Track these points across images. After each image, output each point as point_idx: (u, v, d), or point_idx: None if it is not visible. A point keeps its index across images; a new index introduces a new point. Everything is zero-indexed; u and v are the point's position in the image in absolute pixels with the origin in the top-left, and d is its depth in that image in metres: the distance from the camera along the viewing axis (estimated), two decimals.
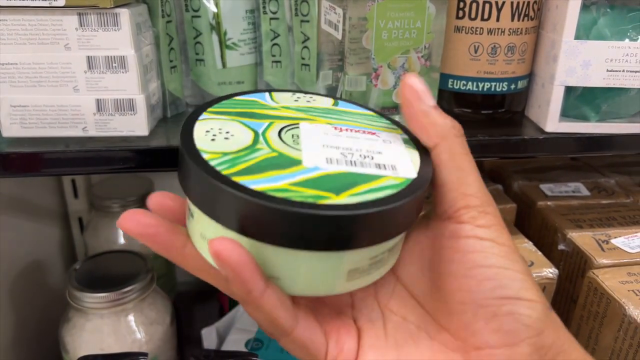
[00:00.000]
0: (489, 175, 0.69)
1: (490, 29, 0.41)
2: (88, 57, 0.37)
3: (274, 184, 0.23)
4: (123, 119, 0.38)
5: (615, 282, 0.46)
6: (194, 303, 0.75)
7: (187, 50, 0.46)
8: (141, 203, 0.64)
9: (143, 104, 0.38)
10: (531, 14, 0.41)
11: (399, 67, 0.39)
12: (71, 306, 0.50)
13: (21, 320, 0.60)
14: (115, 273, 0.52)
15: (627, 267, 0.48)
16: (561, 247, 0.53)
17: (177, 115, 0.45)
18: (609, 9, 0.41)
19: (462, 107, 0.44)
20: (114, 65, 0.37)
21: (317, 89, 0.43)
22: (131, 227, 0.25)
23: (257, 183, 0.22)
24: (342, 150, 0.26)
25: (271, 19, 0.45)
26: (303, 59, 0.45)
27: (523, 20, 0.41)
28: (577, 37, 0.40)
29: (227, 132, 0.26)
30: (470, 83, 0.43)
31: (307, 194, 0.22)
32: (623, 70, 0.41)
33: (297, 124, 0.28)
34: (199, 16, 0.44)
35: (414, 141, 0.28)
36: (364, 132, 0.28)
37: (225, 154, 0.24)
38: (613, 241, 0.51)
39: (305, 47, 0.45)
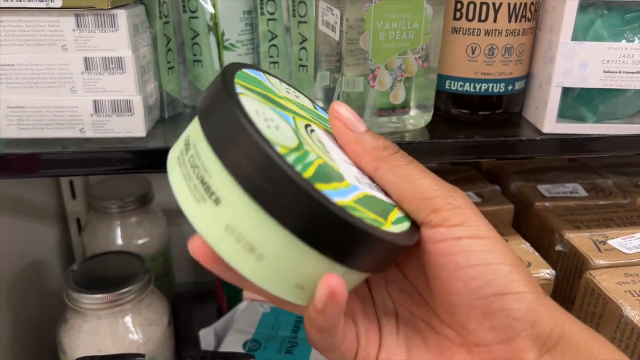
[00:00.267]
0: (486, 176, 0.69)
1: (487, 30, 0.41)
2: (85, 58, 0.37)
3: (342, 198, 0.22)
4: (120, 120, 0.38)
5: (612, 283, 0.46)
6: (192, 304, 0.75)
7: (184, 51, 0.46)
8: (139, 204, 0.64)
9: (140, 105, 0.38)
10: (528, 15, 0.41)
11: (396, 68, 0.39)
12: (69, 307, 0.50)
13: (19, 321, 0.60)
14: (112, 274, 0.52)
15: (624, 268, 0.48)
16: (558, 247, 0.53)
17: (175, 116, 0.45)
18: (606, 10, 0.41)
19: (460, 108, 0.44)
20: (111, 66, 0.37)
21: (314, 89, 0.43)
22: (201, 259, 0.24)
23: (333, 195, 0.21)
24: (352, 167, 0.26)
25: (269, 20, 0.45)
26: (300, 59, 0.45)
27: (520, 21, 0.41)
28: (574, 39, 0.40)
29: (272, 120, 0.23)
30: (467, 84, 0.43)
31: (370, 217, 0.22)
32: (620, 72, 0.41)
33: (311, 124, 0.27)
34: (196, 17, 0.44)
35: None
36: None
37: (290, 150, 0.22)
38: (610, 242, 0.51)
39: (303, 48, 0.45)
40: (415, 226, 0.25)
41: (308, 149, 0.23)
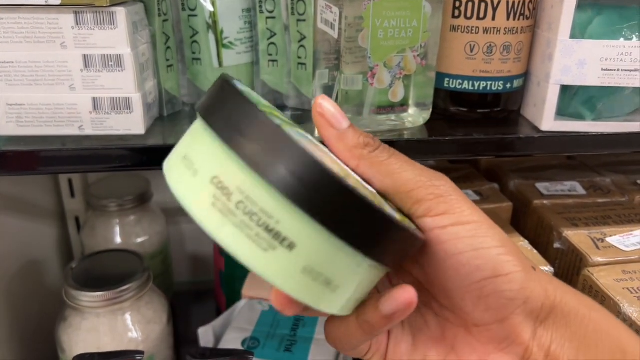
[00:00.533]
0: (485, 174, 0.69)
1: (486, 28, 0.41)
2: (84, 55, 0.37)
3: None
4: (119, 117, 0.38)
5: (610, 280, 0.46)
6: (191, 302, 0.75)
7: (183, 49, 0.46)
8: (137, 202, 0.64)
9: (139, 103, 0.38)
10: (527, 13, 0.41)
11: (395, 66, 0.40)
12: (68, 305, 0.50)
13: (18, 320, 0.60)
14: (112, 272, 0.52)
15: (622, 265, 0.49)
16: (557, 245, 0.54)
17: (174, 114, 0.45)
18: (604, 9, 0.41)
19: (458, 106, 0.44)
20: (110, 63, 0.37)
21: (313, 87, 0.43)
22: (284, 309, 0.24)
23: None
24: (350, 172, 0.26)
25: (268, 18, 0.45)
26: (299, 58, 0.45)
27: (519, 19, 0.41)
28: (572, 36, 0.41)
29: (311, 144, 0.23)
30: (466, 82, 0.43)
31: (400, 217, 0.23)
32: (618, 69, 0.41)
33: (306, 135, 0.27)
34: (195, 15, 0.44)
35: None
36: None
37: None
38: (608, 239, 0.51)
39: (302, 46, 0.45)
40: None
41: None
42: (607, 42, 0.40)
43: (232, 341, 0.52)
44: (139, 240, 0.64)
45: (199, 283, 0.79)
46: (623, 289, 0.45)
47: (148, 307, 0.52)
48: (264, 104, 0.26)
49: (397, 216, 0.23)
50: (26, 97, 0.37)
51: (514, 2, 0.40)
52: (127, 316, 0.50)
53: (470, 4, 0.41)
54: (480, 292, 0.25)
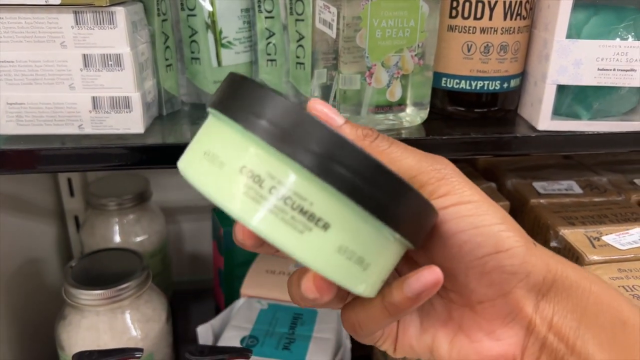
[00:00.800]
0: (482, 173, 0.69)
1: (483, 28, 0.41)
2: (84, 55, 0.37)
3: None
4: (119, 116, 0.39)
5: (606, 279, 0.47)
6: (190, 301, 0.75)
7: (182, 48, 0.46)
8: (137, 201, 0.65)
9: (139, 102, 0.38)
10: (523, 13, 0.42)
11: (392, 66, 0.40)
12: (67, 303, 0.50)
13: (17, 318, 0.60)
14: (111, 270, 0.52)
15: (617, 263, 0.49)
16: (553, 244, 0.54)
17: (173, 113, 0.45)
18: (600, 9, 0.42)
19: (455, 106, 0.44)
20: (109, 63, 0.37)
21: (312, 87, 0.44)
22: (324, 293, 0.24)
23: None
24: None
25: (266, 17, 0.45)
26: (298, 57, 0.45)
27: (515, 19, 0.41)
28: (568, 36, 0.41)
29: None
30: (463, 81, 0.43)
31: None
32: (614, 69, 0.41)
33: None
34: (194, 15, 0.45)
35: None
36: None
37: None
38: (604, 238, 0.52)
39: (300, 45, 0.45)
40: None
41: None
42: (603, 42, 0.40)
43: (230, 339, 0.53)
44: (138, 239, 0.65)
45: (198, 281, 0.79)
46: (619, 287, 0.46)
47: (147, 306, 0.53)
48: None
49: None
50: (26, 96, 0.38)
51: (510, 2, 0.41)
52: (127, 314, 0.51)
53: (467, 4, 0.41)
54: (482, 268, 0.26)
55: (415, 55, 0.40)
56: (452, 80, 0.43)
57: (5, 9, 0.35)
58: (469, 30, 0.42)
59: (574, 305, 0.26)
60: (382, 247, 0.23)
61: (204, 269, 0.82)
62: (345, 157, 0.20)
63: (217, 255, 0.69)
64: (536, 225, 0.58)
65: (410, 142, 0.41)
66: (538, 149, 0.44)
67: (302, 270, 0.25)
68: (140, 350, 0.43)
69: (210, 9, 0.44)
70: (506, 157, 0.70)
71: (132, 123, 0.39)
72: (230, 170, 0.21)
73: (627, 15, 0.41)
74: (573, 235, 0.52)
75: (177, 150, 0.39)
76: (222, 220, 0.66)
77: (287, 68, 0.47)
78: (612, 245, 0.51)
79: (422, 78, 0.42)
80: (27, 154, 0.37)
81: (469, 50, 0.42)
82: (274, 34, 0.46)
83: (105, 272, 0.52)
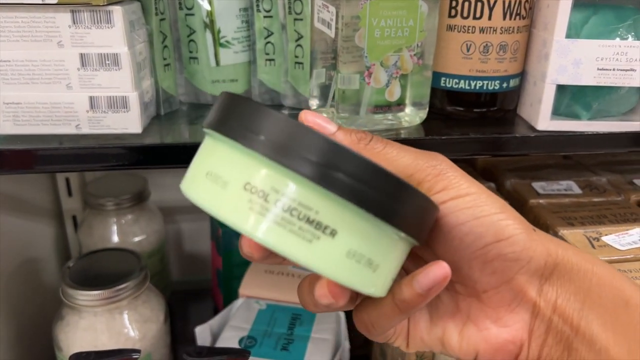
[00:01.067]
0: (481, 173, 0.69)
1: (482, 27, 0.41)
2: (81, 54, 0.37)
3: None
4: (116, 116, 0.38)
5: None
6: (188, 301, 0.75)
7: (180, 48, 0.46)
8: (135, 201, 0.64)
9: (136, 102, 0.38)
10: (523, 12, 0.42)
11: (391, 65, 0.40)
12: (65, 304, 0.50)
13: (15, 318, 0.60)
14: (109, 271, 0.52)
15: (617, 264, 0.49)
16: None
17: (171, 112, 0.45)
18: (600, 8, 0.41)
19: (455, 105, 0.44)
20: (107, 62, 0.37)
21: (310, 87, 0.43)
22: (339, 299, 0.25)
23: None
24: None
25: (265, 17, 0.45)
26: (296, 57, 0.45)
27: (515, 19, 0.41)
28: (568, 36, 0.41)
29: None
30: (462, 81, 0.43)
31: None
32: (614, 69, 0.41)
33: None
34: (192, 14, 0.44)
35: None
36: None
37: None
38: (604, 238, 0.52)
39: (299, 45, 0.45)
40: None
41: None
42: (602, 42, 0.40)
43: (229, 340, 0.52)
44: (136, 239, 0.64)
45: (196, 282, 0.79)
46: None
47: (145, 306, 0.52)
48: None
49: None
50: (23, 96, 0.37)
51: (510, 2, 0.40)
52: (124, 315, 0.51)
53: (466, 4, 0.41)
54: (485, 257, 0.26)
55: (414, 55, 0.40)
56: (451, 80, 0.43)
57: (1, 8, 0.35)
58: (468, 29, 0.41)
59: (577, 287, 0.27)
60: (389, 247, 0.23)
61: (202, 269, 0.81)
62: (343, 163, 0.21)
63: (216, 255, 0.69)
64: (535, 225, 0.57)
65: (409, 142, 0.41)
66: (537, 149, 0.44)
67: (312, 277, 0.25)
68: (137, 351, 0.43)
69: (208, 8, 0.44)
70: (505, 157, 0.70)
71: (129, 123, 0.39)
72: (234, 188, 0.22)
73: (627, 15, 0.41)
74: (572, 235, 0.52)
75: (175, 150, 0.39)
76: (220, 221, 0.66)
77: (285, 68, 0.46)
78: (611, 246, 0.51)
79: (421, 78, 0.41)
80: (24, 154, 0.37)
81: (468, 50, 0.42)
82: (272, 33, 0.46)
83: (103, 272, 0.52)
